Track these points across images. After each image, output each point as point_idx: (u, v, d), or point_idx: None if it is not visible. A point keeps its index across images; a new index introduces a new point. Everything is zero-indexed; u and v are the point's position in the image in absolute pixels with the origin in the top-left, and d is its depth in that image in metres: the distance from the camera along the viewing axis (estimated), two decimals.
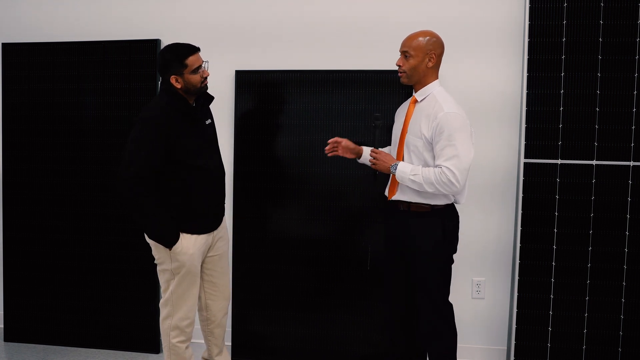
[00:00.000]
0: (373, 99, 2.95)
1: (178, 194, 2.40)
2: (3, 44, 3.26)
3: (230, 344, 3.16)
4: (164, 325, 2.52)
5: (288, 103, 3.02)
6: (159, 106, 2.36)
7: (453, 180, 2.21)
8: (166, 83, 2.40)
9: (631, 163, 2.76)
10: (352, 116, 2.96)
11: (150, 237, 2.42)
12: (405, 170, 2.30)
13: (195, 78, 2.38)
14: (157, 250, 2.45)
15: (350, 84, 2.96)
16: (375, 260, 2.94)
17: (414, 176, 2.27)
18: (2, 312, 3.43)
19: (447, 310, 2.43)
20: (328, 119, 2.98)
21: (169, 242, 2.39)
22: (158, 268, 2.50)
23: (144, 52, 3.11)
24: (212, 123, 2.58)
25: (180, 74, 2.36)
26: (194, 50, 2.40)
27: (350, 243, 3.00)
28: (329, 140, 2.52)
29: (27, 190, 3.26)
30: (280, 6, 3.07)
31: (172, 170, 2.36)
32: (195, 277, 2.49)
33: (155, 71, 3.09)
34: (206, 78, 2.43)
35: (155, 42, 3.11)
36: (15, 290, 3.31)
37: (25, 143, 3.25)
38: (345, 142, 2.51)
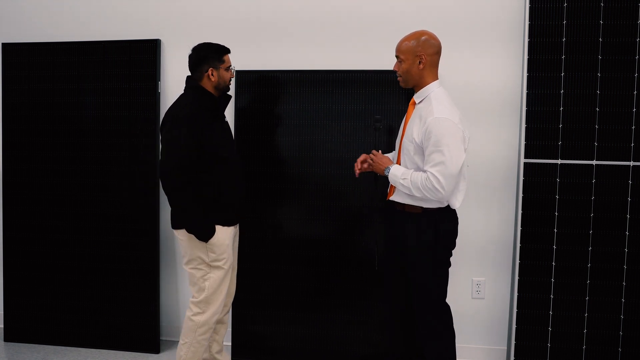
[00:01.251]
0: (373, 99, 2.95)
1: (210, 186, 2.49)
2: (3, 44, 3.26)
3: (230, 344, 3.16)
4: (193, 321, 2.57)
5: (288, 103, 3.02)
6: (188, 102, 2.49)
7: (437, 186, 2.20)
8: (194, 81, 2.55)
9: (631, 163, 2.76)
10: (352, 116, 2.96)
11: (189, 231, 2.47)
12: (396, 174, 2.33)
13: (227, 75, 2.58)
14: (192, 245, 2.51)
15: (350, 84, 2.96)
16: (370, 262, 2.94)
17: (403, 180, 2.30)
18: (2, 312, 3.43)
19: (444, 312, 2.42)
20: (328, 119, 2.98)
21: (207, 234, 2.47)
22: (190, 266, 2.56)
23: (144, 52, 3.11)
24: (227, 122, 2.71)
25: (216, 67, 2.52)
26: (228, 50, 2.61)
27: (350, 243, 3.00)
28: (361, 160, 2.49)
29: (27, 190, 3.26)
30: (281, 6, 3.07)
31: (204, 162, 2.46)
32: (230, 268, 2.58)
33: (155, 71, 3.10)
34: (231, 79, 2.62)
35: (155, 42, 3.11)
36: (15, 290, 3.31)
37: (25, 143, 3.25)
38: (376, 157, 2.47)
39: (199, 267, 2.54)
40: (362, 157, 2.50)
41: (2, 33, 3.31)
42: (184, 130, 2.40)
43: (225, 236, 2.54)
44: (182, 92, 2.61)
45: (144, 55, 3.11)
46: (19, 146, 3.25)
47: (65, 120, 3.20)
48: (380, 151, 2.47)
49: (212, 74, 2.52)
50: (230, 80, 2.61)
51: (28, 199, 3.26)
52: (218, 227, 2.51)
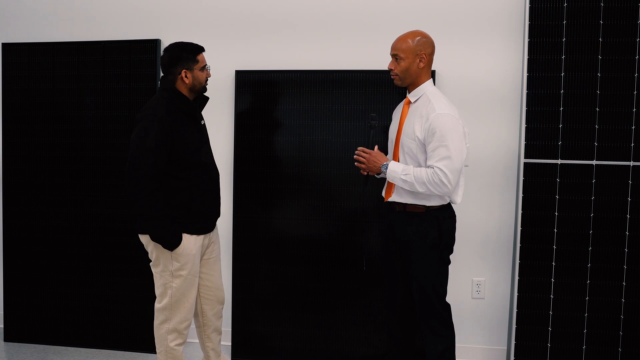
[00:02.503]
0: (372, 99, 2.95)
1: (181, 193, 2.40)
2: (3, 44, 3.26)
3: (230, 344, 3.16)
4: (161, 329, 2.49)
5: (288, 103, 3.02)
6: (161, 104, 2.37)
7: (445, 180, 2.21)
8: (168, 82, 2.43)
9: (631, 163, 2.76)
10: (351, 116, 2.96)
11: (153, 239, 2.37)
12: (396, 170, 2.31)
13: (203, 76, 2.45)
14: (157, 252, 2.43)
15: (350, 84, 2.96)
16: (374, 261, 2.94)
17: (405, 176, 2.28)
18: (2, 312, 3.43)
19: (445, 311, 2.43)
20: (327, 119, 2.98)
21: (173, 243, 2.37)
22: (155, 270, 2.47)
23: (144, 52, 3.11)
24: (205, 125, 2.60)
25: (190, 68, 2.41)
26: (202, 49, 2.48)
27: (350, 243, 3.00)
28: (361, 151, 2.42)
29: (27, 190, 3.26)
30: (282, 6, 3.07)
31: (175, 168, 2.37)
32: (195, 278, 2.48)
33: (155, 71, 3.09)
34: (208, 79, 2.49)
35: (155, 42, 3.11)
36: (15, 290, 3.31)
37: (25, 143, 3.25)
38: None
39: (163, 274, 2.44)
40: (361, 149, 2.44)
41: (2, 33, 3.31)
42: (156, 134, 2.28)
43: (193, 246, 2.43)
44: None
45: (144, 55, 3.11)
46: (19, 146, 3.25)
47: (65, 120, 3.20)
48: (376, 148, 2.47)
49: (185, 76, 2.39)
50: (207, 80, 2.48)
51: (28, 199, 3.26)
52: (185, 236, 2.40)
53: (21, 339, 3.31)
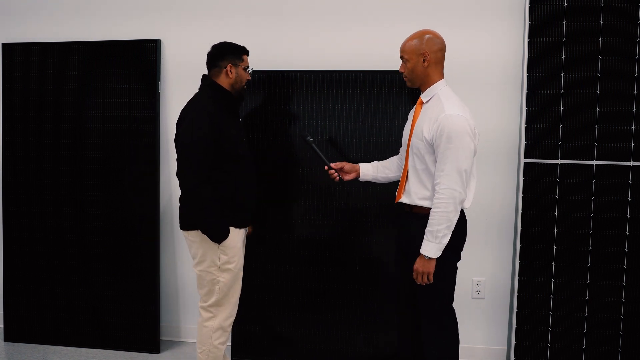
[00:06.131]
0: (372, 99, 2.95)
1: (225, 186, 2.44)
2: (3, 44, 3.26)
3: (230, 344, 3.16)
4: (206, 327, 2.51)
5: (288, 103, 3.02)
6: (205, 99, 2.45)
7: (448, 195, 2.17)
8: (209, 78, 2.51)
9: (631, 163, 2.76)
10: (351, 116, 2.96)
11: (203, 232, 2.41)
12: (430, 241, 2.22)
13: (244, 76, 2.55)
14: (204, 246, 2.45)
15: (350, 84, 2.96)
16: (373, 261, 2.94)
17: (435, 231, 2.20)
18: (2, 312, 3.43)
19: (449, 317, 2.38)
20: (328, 119, 2.98)
21: (222, 236, 2.42)
22: (200, 268, 2.48)
23: (144, 52, 3.11)
24: (242, 121, 2.68)
25: (235, 64, 2.49)
26: (248, 52, 2.58)
27: (350, 243, 3.00)
28: (334, 166, 2.57)
29: (27, 190, 3.26)
30: (282, 6, 3.07)
31: (220, 160, 2.41)
32: (240, 272, 2.54)
33: (155, 71, 3.10)
34: (247, 82, 2.58)
35: (155, 42, 3.11)
36: (15, 290, 3.31)
37: (25, 143, 3.25)
38: (346, 166, 2.59)
39: (209, 269, 2.46)
40: (338, 164, 2.58)
41: (2, 33, 3.31)
42: (203, 128, 2.34)
43: (238, 238, 2.49)
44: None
45: (144, 55, 3.11)
46: (19, 146, 3.25)
47: (65, 120, 3.20)
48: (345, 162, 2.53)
49: (230, 71, 2.48)
50: (246, 83, 2.56)
51: (28, 199, 3.26)
52: (231, 229, 2.45)
53: (21, 339, 3.31)
